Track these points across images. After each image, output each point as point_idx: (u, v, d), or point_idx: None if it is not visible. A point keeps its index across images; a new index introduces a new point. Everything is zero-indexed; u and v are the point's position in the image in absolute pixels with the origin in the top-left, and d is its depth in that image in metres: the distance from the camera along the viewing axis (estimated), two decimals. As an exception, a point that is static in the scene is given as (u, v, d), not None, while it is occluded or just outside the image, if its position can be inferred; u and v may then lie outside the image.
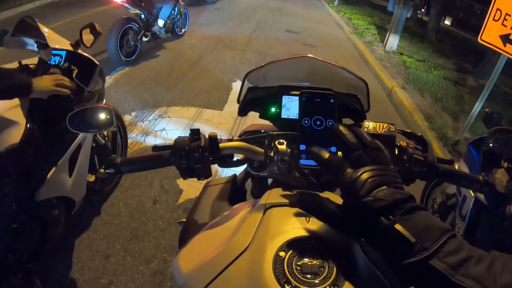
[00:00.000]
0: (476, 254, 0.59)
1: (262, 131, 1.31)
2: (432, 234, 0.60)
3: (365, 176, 0.65)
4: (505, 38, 4.00)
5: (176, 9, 7.17)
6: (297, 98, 1.23)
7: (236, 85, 5.66)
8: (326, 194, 0.95)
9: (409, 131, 1.12)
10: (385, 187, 0.64)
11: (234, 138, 1.10)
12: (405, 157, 1.01)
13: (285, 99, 1.24)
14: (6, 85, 1.69)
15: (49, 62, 2.20)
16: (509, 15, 3.89)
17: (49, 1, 10.44)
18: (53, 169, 2.05)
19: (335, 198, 0.95)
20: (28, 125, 1.89)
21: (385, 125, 1.01)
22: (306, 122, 0.96)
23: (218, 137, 1.01)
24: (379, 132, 0.99)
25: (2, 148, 1.72)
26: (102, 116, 1.58)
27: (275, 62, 1.38)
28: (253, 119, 3.87)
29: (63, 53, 2.37)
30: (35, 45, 2.13)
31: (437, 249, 0.58)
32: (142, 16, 6.17)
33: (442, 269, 0.56)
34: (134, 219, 2.89)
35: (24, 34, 2.07)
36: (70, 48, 2.39)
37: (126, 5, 5.95)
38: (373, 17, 16.95)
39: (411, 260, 0.58)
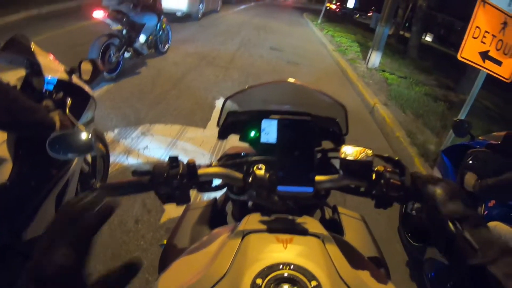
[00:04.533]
0: None
1: (243, 153, 1.34)
2: (493, 246, 0.73)
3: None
4: (484, 55, 4.09)
5: (158, 25, 7.20)
6: (276, 122, 1.23)
7: (220, 103, 5.61)
8: (304, 219, 0.96)
9: (387, 155, 1.11)
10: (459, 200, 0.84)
11: (213, 164, 1.09)
12: (382, 181, 1.01)
13: (265, 123, 1.22)
14: (31, 121, 1.61)
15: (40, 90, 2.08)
16: (488, 33, 4.00)
17: (35, 13, 10.30)
18: (42, 207, 1.95)
19: (313, 222, 0.97)
20: (16, 162, 1.78)
21: (363, 149, 1.02)
22: (284, 147, 0.97)
23: (197, 162, 1.01)
24: (356, 158, 1.00)
25: None
26: (81, 140, 1.53)
27: (255, 86, 1.39)
28: (236, 139, 3.84)
29: (55, 81, 2.19)
30: (25, 63, 2.03)
31: (497, 259, 0.70)
32: (124, 32, 6.13)
33: (497, 274, 0.68)
34: (116, 239, 2.83)
35: (15, 53, 1.96)
36: (65, 75, 2.28)
37: (108, 21, 5.95)
38: (356, 34, 17.29)
39: (474, 262, 0.72)
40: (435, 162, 4.82)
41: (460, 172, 2.40)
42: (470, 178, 2.30)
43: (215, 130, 1.38)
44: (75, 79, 2.40)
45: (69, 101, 2.13)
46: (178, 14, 12.94)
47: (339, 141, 1.35)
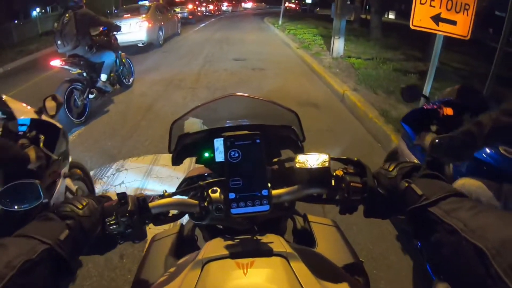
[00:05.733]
0: (472, 205, 0.70)
1: (206, 174, 1.29)
2: (438, 191, 0.75)
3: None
4: (436, 18, 4.10)
5: (117, 61, 7.15)
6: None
7: (189, 123, 5.49)
8: (268, 238, 0.92)
9: (345, 157, 1.05)
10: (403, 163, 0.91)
11: (166, 194, 1.05)
12: (343, 185, 0.96)
13: (217, 142, 1.17)
14: (6, 156, 1.78)
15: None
16: (435, -5, 3.98)
17: (1, 72, 10.77)
18: None
19: (277, 240, 0.92)
20: None
21: (318, 155, 0.97)
22: (233, 167, 0.93)
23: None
24: (312, 165, 0.96)
25: None
26: (30, 191, 1.53)
27: (201, 106, 1.35)
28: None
29: (28, 121, 2.47)
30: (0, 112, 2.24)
31: (438, 200, 0.73)
32: (84, 74, 6.12)
33: (437, 212, 0.71)
34: (104, 277, 2.80)
35: None
36: (35, 116, 2.51)
37: (66, 67, 5.95)
38: (318, 27, 17.43)
39: (415, 206, 0.76)
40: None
41: (426, 163, 2.36)
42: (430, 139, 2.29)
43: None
44: (44, 117, 2.64)
45: (42, 137, 2.39)
46: (140, 44, 13.09)
47: (299, 148, 1.31)
